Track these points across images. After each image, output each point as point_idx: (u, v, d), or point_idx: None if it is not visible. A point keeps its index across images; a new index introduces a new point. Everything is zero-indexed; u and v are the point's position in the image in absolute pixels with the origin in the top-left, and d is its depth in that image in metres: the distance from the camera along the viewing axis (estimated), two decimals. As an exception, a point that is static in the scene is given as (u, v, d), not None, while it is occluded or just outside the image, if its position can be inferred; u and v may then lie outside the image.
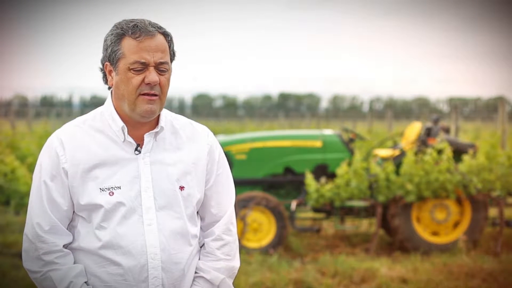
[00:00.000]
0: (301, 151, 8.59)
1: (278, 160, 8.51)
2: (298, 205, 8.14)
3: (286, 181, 8.53)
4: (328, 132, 9.06)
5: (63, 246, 2.26)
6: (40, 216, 2.25)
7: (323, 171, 8.51)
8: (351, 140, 8.77)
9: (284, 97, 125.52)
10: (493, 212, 9.01)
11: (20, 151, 10.25)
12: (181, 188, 2.31)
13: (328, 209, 8.23)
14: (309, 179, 7.87)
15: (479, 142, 12.48)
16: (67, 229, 2.29)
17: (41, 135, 15.23)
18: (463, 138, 18.37)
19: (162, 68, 2.25)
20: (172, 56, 2.31)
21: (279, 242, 7.72)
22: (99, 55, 2.35)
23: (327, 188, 7.84)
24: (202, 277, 2.34)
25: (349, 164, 8.19)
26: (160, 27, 2.27)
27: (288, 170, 8.59)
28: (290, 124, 36.02)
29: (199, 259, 2.38)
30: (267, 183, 8.51)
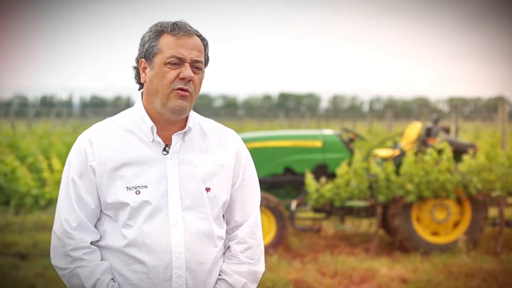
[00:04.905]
0: (301, 151, 8.58)
1: (278, 160, 8.51)
2: (298, 205, 8.14)
3: (286, 181, 8.53)
4: (328, 132, 9.05)
5: (90, 243, 2.28)
6: (68, 213, 2.28)
7: (323, 171, 8.51)
8: (351, 140, 8.77)
9: (284, 97, 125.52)
10: (493, 212, 9.01)
11: (20, 151, 10.26)
12: (207, 189, 2.32)
13: (328, 209, 8.23)
14: (309, 179, 7.87)
15: (479, 142, 12.48)
16: (94, 227, 2.31)
17: (41, 135, 15.24)
18: (463, 138, 18.38)
19: (197, 66, 2.29)
20: (206, 60, 2.36)
21: (279, 242, 7.72)
22: (100, 55, 2.39)
23: (327, 188, 7.84)
24: (224, 280, 2.35)
25: (349, 164, 8.19)
26: (197, 31, 2.33)
27: (288, 170, 8.58)
28: (290, 124, 35.99)
29: (223, 261, 2.39)
30: (267, 183, 8.51)
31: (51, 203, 7.90)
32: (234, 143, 2.43)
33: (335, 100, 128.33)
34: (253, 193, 2.46)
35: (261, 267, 2.42)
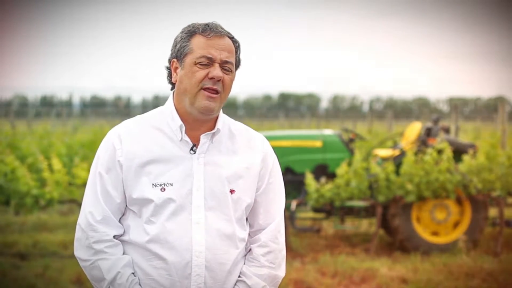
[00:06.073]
0: (301, 151, 8.58)
1: (278, 160, 8.50)
2: (298, 205, 8.13)
3: (286, 181, 8.51)
4: (328, 132, 9.05)
5: (114, 237, 2.31)
6: (93, 206, 2.31)
7: (323, 171, 8.51)
8: (351, 140, 8.77)
9: (284, 97, 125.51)
10: (493, 212, 9.01)
11: (20, 151, 10.24)
12: (232, 191, 2.34)
13: (328, 209, 8.22)
14: (309, 179, 7.87)
15: (479, 142, 12.48)
16: (118, 222, 2.33)
17: (41, 135, 15.21)
18: (463, 138, 18.37)
19: (226, 67, 2.31)
20: (238, 62, 2.38)
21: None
22: (101, 55, 2.39)
23: (327, 188, 7.83)
24: (244, 281, 2.36)
25: (349, 164, 8.19)
26: (229, 33, 2.35)
27: (288, 170, 8.58)
28: (290, 124, 35.98)
29: (244, 264, 2.40)
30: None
31: (51, 203, 7.90)
32: (262, 147, 2.46)
33: (335, 100, 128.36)
34: (278, 198, 2.48)
35: (281, 272, 2.43)
